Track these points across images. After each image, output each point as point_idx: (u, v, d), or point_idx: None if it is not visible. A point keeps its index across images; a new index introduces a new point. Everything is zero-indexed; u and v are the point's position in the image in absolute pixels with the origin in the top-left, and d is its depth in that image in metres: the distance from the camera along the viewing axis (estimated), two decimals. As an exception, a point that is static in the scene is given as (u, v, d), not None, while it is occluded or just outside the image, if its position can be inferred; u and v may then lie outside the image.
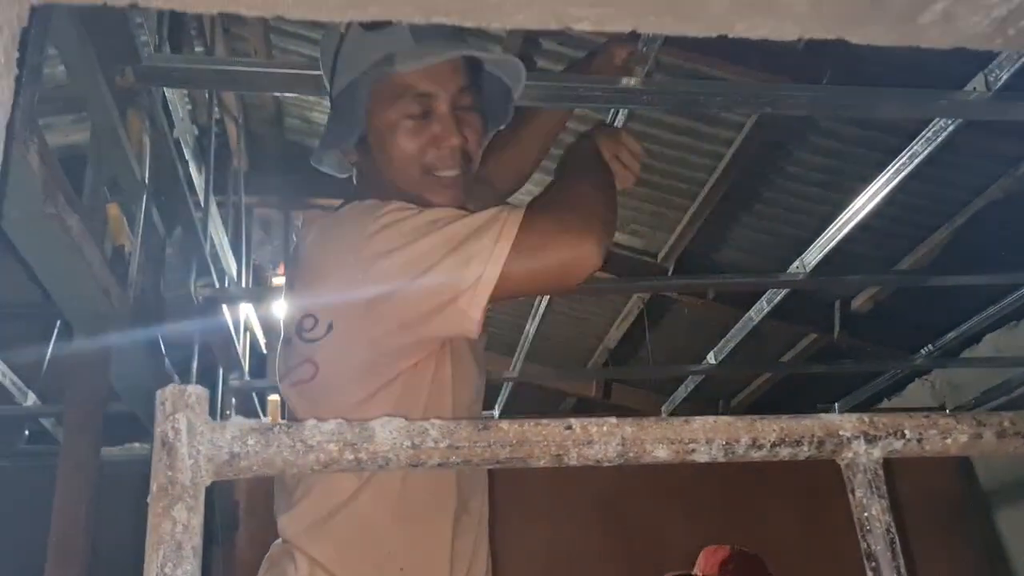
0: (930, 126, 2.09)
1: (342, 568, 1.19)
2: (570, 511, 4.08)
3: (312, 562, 1.19)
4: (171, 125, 2.21)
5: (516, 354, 4.42)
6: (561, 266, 1.13)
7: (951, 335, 3.82)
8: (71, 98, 2.70)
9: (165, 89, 2.09)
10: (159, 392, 0.69)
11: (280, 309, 1.35)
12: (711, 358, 4.00)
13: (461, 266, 1.09)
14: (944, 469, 4.35)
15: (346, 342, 1.17)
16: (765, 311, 3.36)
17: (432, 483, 1.23)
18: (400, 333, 1.15)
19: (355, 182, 1.35)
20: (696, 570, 2.70)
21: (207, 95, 3.00)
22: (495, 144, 1.48)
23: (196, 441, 0.67)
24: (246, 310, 3.85)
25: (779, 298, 3.26)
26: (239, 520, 3.47)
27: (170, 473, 0.66)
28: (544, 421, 0.75)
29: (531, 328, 4.18)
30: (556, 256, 1.12)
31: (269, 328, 4.18)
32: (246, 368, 3.74)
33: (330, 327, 1.17)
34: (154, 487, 0.67)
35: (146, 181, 1.76)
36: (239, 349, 3.50)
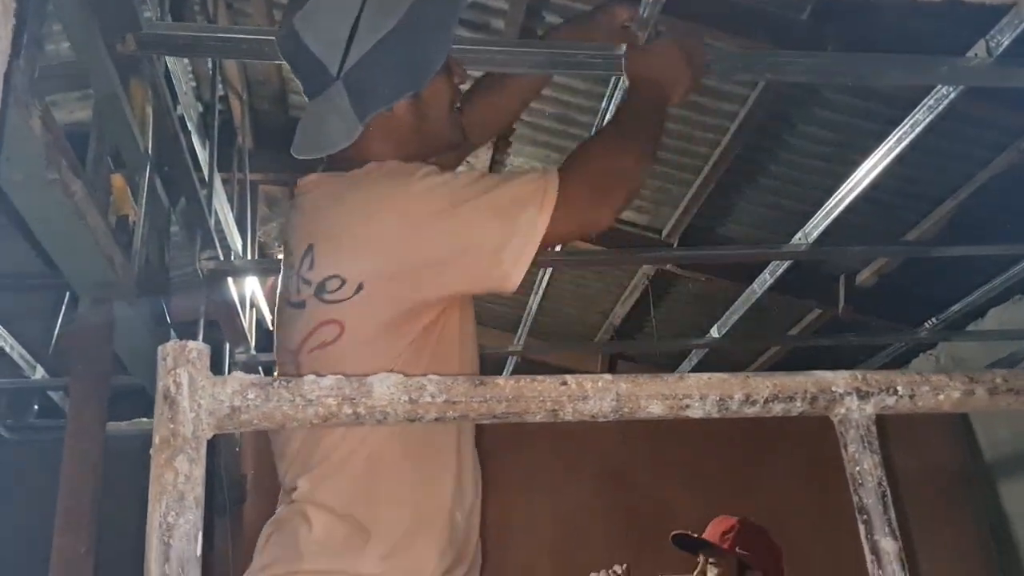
0: (932, 93, 2.09)
1: (356, 508, 1.21)
2: (574, 480, 4.11)
3: (328, 513, 1.21)
4: (174, 99, 2.21)
5: (520, 329, 4.44)
6: (581, 228, 1.33)
7: (955, 308, 3.82)
8: (76, 75, 2.71)
9: (168, 61, 2.09)
10: (161, 347, 0.70)
11: (286, 278, 1.32)
12: (714, 332, 4.01)
13: (508, 234, 1.19)
14: (946, 441, 4.37)
15: (377, 301, 1.21)
16: (768, 283, 3.36)
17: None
18: (436, 293, 1.23)
19: (363, 141, 1.35)
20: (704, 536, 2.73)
21: (210, 70, 2.99)
22: (473, 100, 1.58)
23: (197, 395, 0.68)
24: (251, 286, 3.86)
25: (782, 270, 3.26)
26: (246, 492, 3.51)
27: (172, 426, 0.68)
28: (539, 377, 0.76)
29: (534, 303, 4.20)
30: (581, 220, 1.27)
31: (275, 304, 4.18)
32: (252, 343, 3.76)
33: (360, 287, 1.20)
34: (156, 439, 0.68)
35: (149, 152, 1.76)
36: (245, 324, 3.52)
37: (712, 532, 2.69)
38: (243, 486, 3.55)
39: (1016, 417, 4.07)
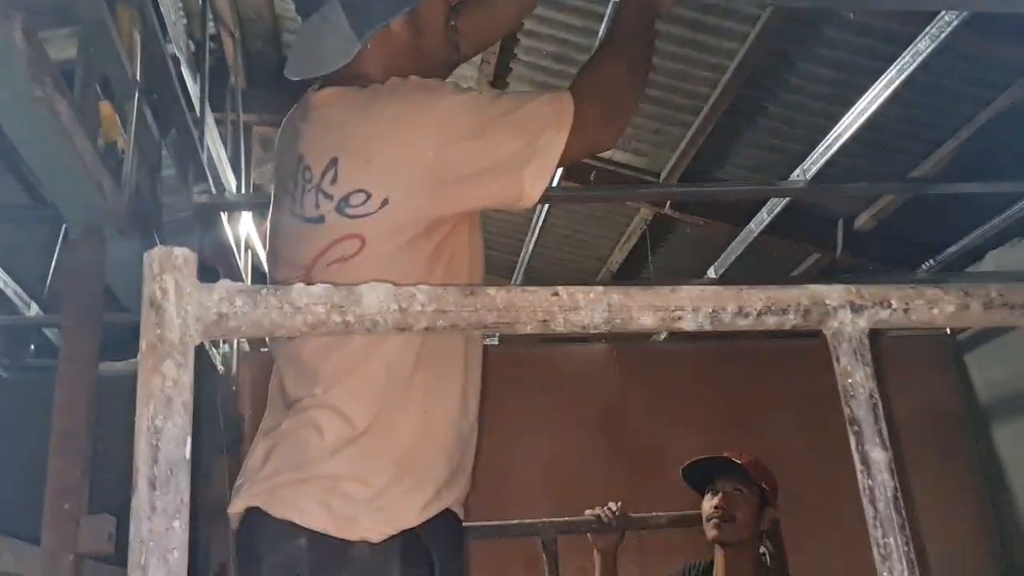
0: (934, 21, 2.06)
1: (370, 414, 1.21)
2: (572, 420, 4.13)
3: (341, 419, 1.21)
4: (164, 31, 2.18)
5: (515, 274, 4.44)
6: (592, 147, 1.36)
7: (952, 249, 3.82)
8: (64, 6, 2.66)
9: (155, -12, 2.06)
10: (146, 253, 0.69)
11: (295, 192, 1.30)
12: (711, 273, 4.01)
13: (532, 155, 1.24)
14: (940, 382, 4.39)
15: (400, 216, 1.23)
16: (766, 222, 3.34)
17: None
18: (457, 208, 1.27)
19: (360, 60, 1.35)
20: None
21: (201, 4, 2.94)
22: (467, 12, 1.57)
23: (184, 301, 0.67)
24: (247, 228, 3.85)
25: (779, 208, 3.24)
26: (244, 433, 3.53)
27: (159, 331, 0.67)
28: (531, 288, 0.75)
29: (529, 249, 4.19)
30: (592, 139, 1.32)
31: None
32: (248, 284, 3.75)
33: (385, 201, 1.22)
34: (143, 345, 0.67)
35: (138, 78, 1.74)
36: (241, 265, 3.51)
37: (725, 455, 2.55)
38: (241, 426, 3.57)
39: (1011, 358, 4.09)
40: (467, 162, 1.23)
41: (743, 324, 0.80)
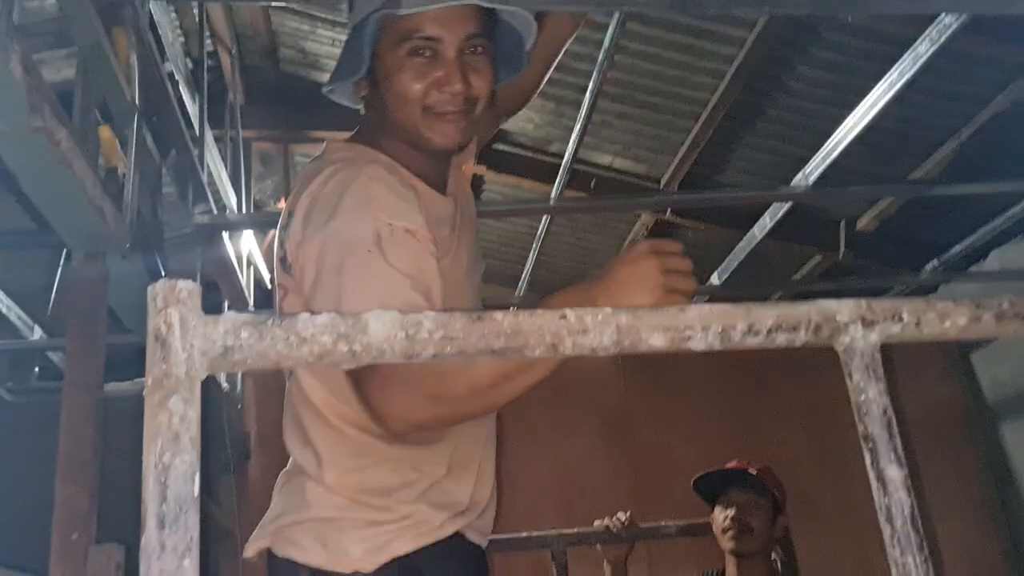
0: (934, 24, 2.05)
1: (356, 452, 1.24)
2: (577, 429, 4.13)
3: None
4: (161, 52, 2.18)
5: (520, 283, 4.43)
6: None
7: (956, 249, 3.81)
8: (61, 31, 2.66)
9: (153, 10, 2.05)
10: (150, 288, 0.68)
11: None
12: (715, 279, 4.00)
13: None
14: (947, 382, 4.39)
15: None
16: (768, 227, 3.34)
17: None
18: None
19: (363, 114, 1.34)
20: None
21: (198, 22, 2.94)
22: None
23: (189, 335, 0.67)
24: (248, 244, 3.85)
25: (782, 213, 3.23)
26: (251, 450, 3.53)
27: (164, 366, 0.66)
28: (539, 312, 0.74)
29: (533, 258, 4.18)
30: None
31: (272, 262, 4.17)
32: (251, 302, 3.75)
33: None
34: (149, 380, 0.66)
35: (136, 102, 1.73)
36: (242, 282, 3.51)
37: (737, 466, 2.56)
38: (247, 443, 3.57)
39: (1017, 357, 4.08)
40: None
41: (753, 343, 0.78)
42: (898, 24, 2.73)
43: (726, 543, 2.43)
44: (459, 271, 1.32)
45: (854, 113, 2.65)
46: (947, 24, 2.01)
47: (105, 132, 1.64)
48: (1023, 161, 3.15)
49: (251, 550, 1.25)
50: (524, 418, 3.96)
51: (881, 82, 2.45)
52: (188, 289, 0.69)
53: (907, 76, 2.28)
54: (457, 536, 1.25)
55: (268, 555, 1.23)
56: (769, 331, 0.79)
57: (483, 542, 1.32)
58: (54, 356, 3.76)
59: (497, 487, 1.38)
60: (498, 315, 0.74)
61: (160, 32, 2.27)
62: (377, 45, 1.23)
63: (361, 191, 1.16)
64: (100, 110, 1.66)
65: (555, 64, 1.69)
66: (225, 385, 3.76)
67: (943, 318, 0.81)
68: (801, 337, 0.79)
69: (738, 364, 4.23)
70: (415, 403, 1.07)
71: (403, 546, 1.20)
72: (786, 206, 3.21)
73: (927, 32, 2.11)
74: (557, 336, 0.75)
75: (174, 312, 0.68)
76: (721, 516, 2.44)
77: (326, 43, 3.96)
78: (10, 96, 1.07)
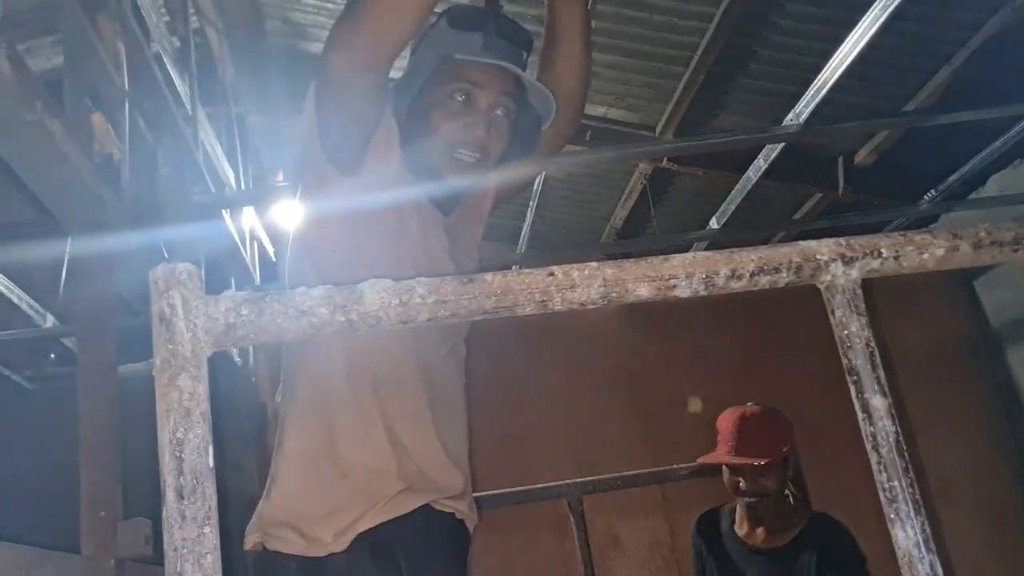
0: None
1: (310, 433, 1.35)
2: (588, 382, 4.17)
3: (289, 442, 1.37)
4: (146, 33, 2.18)
5: (520, 238, 4.45)
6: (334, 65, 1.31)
7: (954, 177, 3.80)
8: (46, 18, 2.66)
9: (134, -5, 2.05)
10: (151, 272, 0.71)
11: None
12: (714, 223, 4.01)
13: None
14: (950, 310, 4.40)
15: None
16: (763, 168, 3.34)
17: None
18: None
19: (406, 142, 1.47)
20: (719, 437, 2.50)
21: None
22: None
23: (192, 315, 0.69)
24: (251, 220, 3.86)
25: (775, 153, 3.23)
26: (267, 421, 3.58)
27: (171, 346, 0.69)
28: (527, 271, 0.77)
29: (531, 213, 4.19)
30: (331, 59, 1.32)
31: (276, 236, 4.19)
32: (257, 277, 3.78)
33: None
34: (157, 360, 0.70)
35: (126, 86, 1.74)
36: (247, 258, 3.53)
37: (742, 440, 2.35)
38: (264, 414, 3.62)
39: (1020, 282, 4.08)
40: None
41: (737, 286, 0.81)
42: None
43: (739, 501, 2.43)
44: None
45: (843, 46, 2.64)
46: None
47: (98, 119, 1.66)
48: (1018, 84, 3.14)
49: (248, 543, 1.36)
50: (534, 373, 4.00)
51: (868, 11, 2.43)
52: (188, 271, 0.72)
53: (895, 4, 2.27)
54: (425, 508, 1.33)
55: (262, 548, 1.34)
56: (752, 274, 0.81)
57: (458, 509, 1.38)
58: (68, 342, 3.81)
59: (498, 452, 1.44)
60: (488, 276, 0.77)
61: (144, 13, 2.27)
62: (428, 81, 1.42)
63: None
64: (90, 97, 1.67)
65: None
66: (238, 359, 3.81)
67: (921, 250, 0.84)
68: (784, 278, 0.82)
69: (743, 304, 4.26)
70: (342, 36, 1.27)
71: (365, 523, 1.29)
72: (779, 147, 3.20)
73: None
74: (546, 293, 0.78)
75: (176, 294, 0.71)
76: (731, 480, 2.40)
77: (311, 12, 3.94)
78: (1, 92, 1.09)
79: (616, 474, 2.68)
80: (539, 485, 2.79)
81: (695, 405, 4.02)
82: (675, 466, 2.87)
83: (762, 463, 2.33)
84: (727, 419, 2.44)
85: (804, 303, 4.15)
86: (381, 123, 1.37)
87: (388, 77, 1.34)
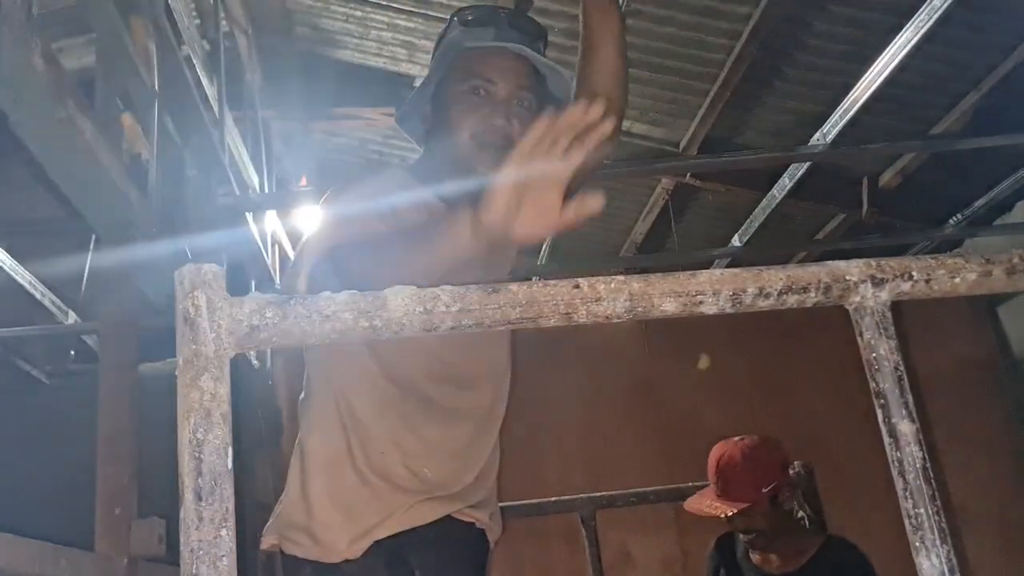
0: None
1: (328, 440, 1.35)
2: (603, 395, 4.15)
3: (307, 449, 1.36)
4: (177, 35, 2.20)
5: (542, 249, 4.44)
6: None
7: (980, 202, 3.77)
8: (79, 18, 2.68)
9: (167, -2, 2.07)
10: (176, 272, 0.71)
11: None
12: (736, 241, 3.99)
13: None
14: (974, 335, 4.36)
15: None
16: (787, 187, 3.31)
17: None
18: None
19: (426, 140, 1.49)
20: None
21: (213, 3, 2.95)
22: None
23: (216, 316, 0.69)
24: (273, 225, 3.88)
25: (801, 172, 3.20)
26: (283, 425, 3.59)
27: (194, 346, 0.69)
28: (552, 282, 0.76)
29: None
30: None
31: (297, 239, 4.21)
32: (277, 282, 3.79)
33: None
34: (180, 360, 0.69)
35: (156, 87, 1.76)
36: (268, 262, 3.55)
37: (722, 483, 2.30)
38: (279, 418, 3.62)
39: (1045, 309, 4.04)
40: None
41: (764, 305, 0.80)
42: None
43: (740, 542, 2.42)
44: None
45: (872, 68, 2.62)
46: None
47: (127, 119, 1.67)
48: (1047, 111, 3.11)
49: (265, 544, 1.37)
50: (550, 385, 3.99)
51: (899, 34, 2.42)
52: (213, 272, 0.71)
53: (925, 27, 2.25)
54: (447, 519, 1.32)
55: (280, 551, 1.35)
56: (780, 293, 0.80)
57: (479, 519, 1.37)
58: (89, 340, 3.83)
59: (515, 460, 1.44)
60: (513, 286, 0.76)
61: (176, 16, 2.28)
62: (444, 81, 1.42)
63: None
64: (121, 97, 1.69)
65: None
66: (255, 363, 3.82)
67: (953, 274, 0.82)
68: (812, 298, 0.80)
69: (762, 325, 4.23)
70: None
71: (382, 531, 1.28)
72: (805, 166, 3.18)
73: (943, -16, 2.08)
74: (571, 305, 0.77)
75: (201, 294, 0.71)
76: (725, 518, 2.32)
77: (339, 19, 3.96)
78: (34, 89, 1.09)
79: (631, 490, 2.66)
80: (552, 498, 2.78)
81: (704, 363, 4.00)
82: (690, 484, 2.84)
83: (732, 512, 2.26)
84: (713, 457, 2.38)
85: (824, 324, 4.12)
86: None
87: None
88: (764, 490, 2.29)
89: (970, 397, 4.17)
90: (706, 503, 2.34)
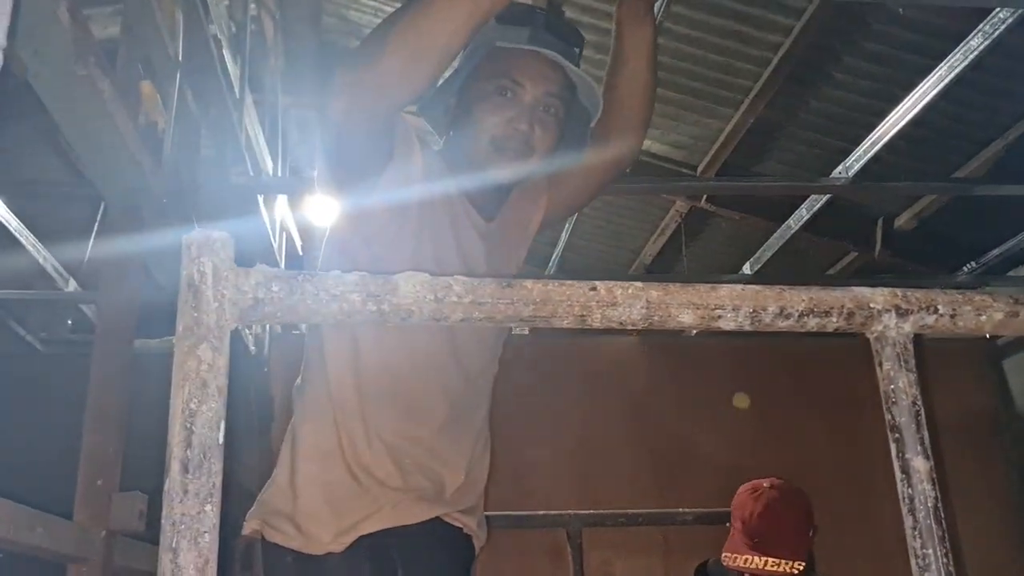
0: (987, 19, 2.01)
1: (321, 433, 1.33)
2: (600, 415, 4.12)
3: (298, 439, 1.35)
4: (206, 11, 2.18)
5: (550, 262, 4.42)
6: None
7: (995, 252, 3.74)
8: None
9: (199, -31, 2.06)
10: (185, 237, 0.68)
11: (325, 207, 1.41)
12: (747, 269, 3.97)
13: None
14: (978, 387, 4.33)
15: None
16: (804, 219, 3.29)
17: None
18: None
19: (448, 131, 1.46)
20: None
21: (243, -15, 2.94)
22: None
23: (221, 285, 0.67)
24: (282, 212, 3.87)
25: (820, 205, 3.18)
26: (274, 414, 3.56)
27: (195, 314, 0.66)
28: (568, 282, 0.74)
29: (563, 240, 4.17)
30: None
31: (305, 229, 4.20)
32: (282, 267, 3.77)
33: None
34: (180, 327, 0.67)
35: (179, 58, 1.74)
36: (275, 247, 3.53)
37: (770, 535, 2.16)
38: (271, 407, 3.60)
39: (1050, 365, 4.01)
40: None
41: (784, 325, 0.77)
42: (949, 18, 2.67)
43: None
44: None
45: (899, 107, 2.61)
46: (1002, 19, 1.97)
47: (147, 87, 1.65)
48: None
49: (247, 529, 1.35)
50: (547, 399, 3.96)
51: (929, 76, 2.40)
52: (222, 240, 0.69)
53: (956, 71, 2.24)
54: (435, 521, 1.31)
55: (261, 537, 1.32)
56: (801, 314, 0.77)
57: (467, 524, 1.36)
58: (87, 310, 3.81)
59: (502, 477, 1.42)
60: (528, 282, 0.73)
61: (205, -7, 2.27)
62: (473, 76, 1.39)
63: None
64: (143, 65, 1.67)
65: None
66: (252, 348, 3.80)
67: (979, 312, 0.80)
68: (833, 322, 0.78)
69: (764, 354, 4.21)
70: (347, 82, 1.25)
71: (368, 526, 1.27)
72: (824, 199, 3.16)
73: (980, 26, 2.07)
74: (586, 308, 0.74)
75: (207, 261, 0.69)
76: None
77: (368, 12, 3.96)
78: (57, 42, 1.07)
79: (620, 510, 2.64)
80: (540, 512, 2.75)
81: (741, 402, 3.94)
82: (680, 509, 2.82)
83: (800, 570, 2.12)
84: (748, 504, 2.23)
85: (828, 358, 4.08)
86: (396, 138, 1.30)
87: (397, 120, 1.29)
88: (811, 535, 2.22)
89: (970, 447, 4.14)
90: (770, 561, 2.16)
